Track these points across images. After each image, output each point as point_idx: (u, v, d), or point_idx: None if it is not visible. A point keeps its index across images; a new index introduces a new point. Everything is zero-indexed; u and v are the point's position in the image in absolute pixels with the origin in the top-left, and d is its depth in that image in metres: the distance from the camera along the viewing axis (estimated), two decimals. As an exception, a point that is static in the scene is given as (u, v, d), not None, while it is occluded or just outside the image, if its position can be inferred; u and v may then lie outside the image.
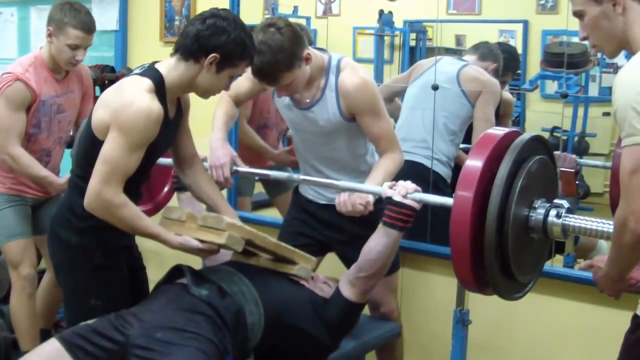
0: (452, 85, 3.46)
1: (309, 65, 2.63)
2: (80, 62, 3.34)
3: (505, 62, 3.76)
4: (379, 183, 2.58)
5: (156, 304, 2.39)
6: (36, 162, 3.32)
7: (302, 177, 2.77)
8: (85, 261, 2.47)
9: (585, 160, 3.15)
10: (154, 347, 2.18)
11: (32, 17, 4.71)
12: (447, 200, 2.25)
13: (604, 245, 3.48)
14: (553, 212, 2.11)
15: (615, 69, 3.95)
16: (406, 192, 2.39)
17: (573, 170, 3.17)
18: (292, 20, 4.22)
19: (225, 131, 2.83)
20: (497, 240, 2.04)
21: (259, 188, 4.07)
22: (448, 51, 4.38)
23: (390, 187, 2.43)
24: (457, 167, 3.56)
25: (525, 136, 2.15)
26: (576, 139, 4.13)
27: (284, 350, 2.50)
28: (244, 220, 3.17)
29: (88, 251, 2.46)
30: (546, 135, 3.91)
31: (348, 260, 2.88)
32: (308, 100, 2.73)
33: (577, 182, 3.00)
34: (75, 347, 2.22)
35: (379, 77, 4.05)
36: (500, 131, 2.18)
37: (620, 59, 3.91)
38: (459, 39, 4.57)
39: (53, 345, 2.24)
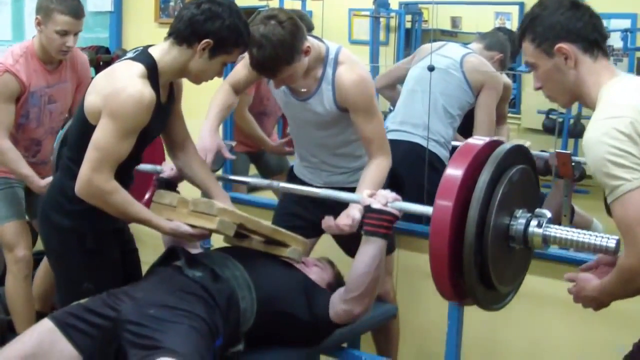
0: (455, 70, 3.44)
1: (307, 56, 2.61)
2: (71, 48, 3.29)
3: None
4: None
5: (149, 284, 2.41)
6: (22, 159, 3.28)
7: (281, 184, 2.72)
8: (77, 244, 2.47)
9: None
10: (147, 323, 2.18)
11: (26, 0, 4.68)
12: (427, 210, 2.21)
13: (599, 226, 3.48)
14: (534, 222, 2.09)
15: (612, 51, 3.93)
16: (386, 200, 2.36)
17: (569, 152, 3.16)
18: (288, 1, 4.24)
19: (217, 122, 2.81)
20: (476, 246, 2.00)
21: (252, 170, 4.07)
22: (444, 33, 4.36)
23: (370, 196, 2.39)
24: (454, 150, 3.56)
25: (507, 145, 2.12)
26: (572, 121, 4.12)
27: (276, 336, 2.50)
28: (239, 201, 3.17)
29: (80, 234, 2.46)
30: (542, 117, 3.90)
31: (343, 241, 2.90)
32: (304, 90, 2.71)
33: (572, 164, 2.99)
34: (68, 326, 2.22)
35: (374, 59, 4.03)
36: (481, 140, 2.14)
37: (616, 41, 3.92)
38: (454, 21, 4.54)
39: (46, 325, 2.24)
